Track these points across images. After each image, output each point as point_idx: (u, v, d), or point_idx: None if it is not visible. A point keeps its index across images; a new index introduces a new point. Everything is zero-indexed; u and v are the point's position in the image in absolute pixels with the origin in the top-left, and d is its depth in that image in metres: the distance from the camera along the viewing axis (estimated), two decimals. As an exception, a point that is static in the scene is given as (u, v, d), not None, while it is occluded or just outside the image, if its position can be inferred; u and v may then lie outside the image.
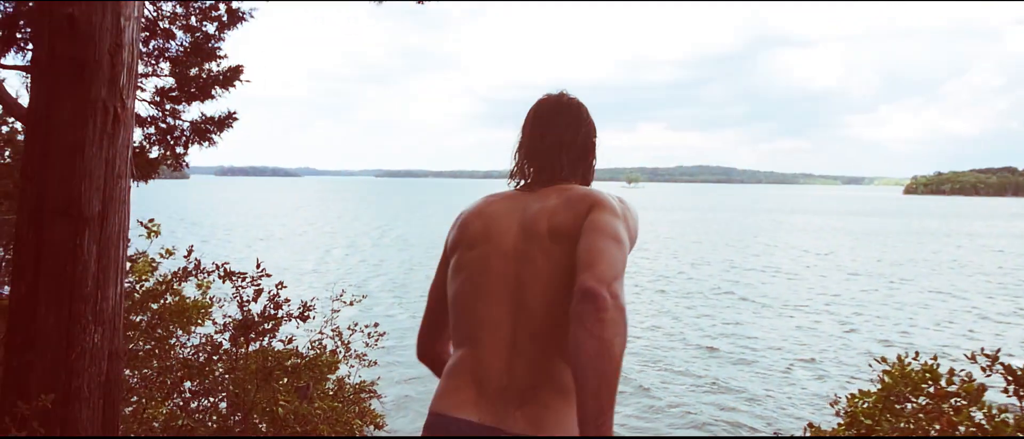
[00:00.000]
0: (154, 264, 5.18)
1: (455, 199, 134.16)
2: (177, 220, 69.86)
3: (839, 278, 36.07)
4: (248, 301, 4.57)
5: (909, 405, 3.26)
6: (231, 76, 5.53)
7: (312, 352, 5.01)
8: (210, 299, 5.05)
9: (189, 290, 5.11)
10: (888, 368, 3.41)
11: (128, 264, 5.40)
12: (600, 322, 1.21)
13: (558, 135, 1.61)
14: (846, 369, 18.19)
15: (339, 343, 5.24)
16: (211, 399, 4.37)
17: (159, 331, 4.53)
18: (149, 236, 5.09)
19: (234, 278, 4.58)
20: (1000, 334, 23.78)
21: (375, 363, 5.44)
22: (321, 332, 5.19)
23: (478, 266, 1.52)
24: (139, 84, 5.32)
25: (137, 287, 4.77)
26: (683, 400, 14.44)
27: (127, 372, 4.22)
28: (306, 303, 4.92)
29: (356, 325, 5.39)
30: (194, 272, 4.80)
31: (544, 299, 1.44)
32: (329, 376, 5.01)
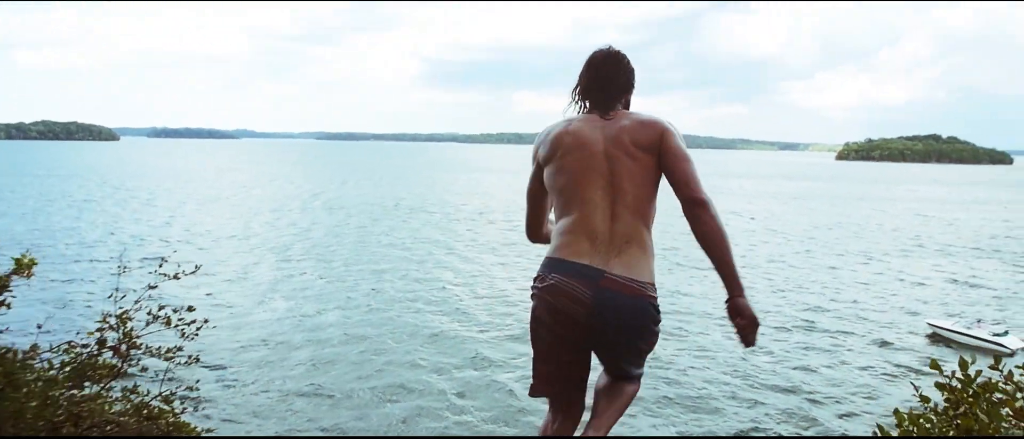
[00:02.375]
0: None
1: (392, 162, 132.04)
2: (99, 183, 66.46)
3: (766, 240, 36.83)
4: None
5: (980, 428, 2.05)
6: None
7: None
8: None
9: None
10: (947, 381, 2.18)
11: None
12: (713, 218, 1.91)
13: (611, 77, 2.13)
14: (769, 330, 18.51)
15: (122, 337, 3.38)
16: None
17: None
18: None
19: None
20: (920, 298, 24.60)
21: (195, 360, 3.57)
22: (104, 320, 3.37)
23: (578, 164, 2.04)
24: None
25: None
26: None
27: None
28: None
29: (161, 309, 3.52)
30: None
31: (632, 186, 2.01)
32: (78, 390, 3.09)
